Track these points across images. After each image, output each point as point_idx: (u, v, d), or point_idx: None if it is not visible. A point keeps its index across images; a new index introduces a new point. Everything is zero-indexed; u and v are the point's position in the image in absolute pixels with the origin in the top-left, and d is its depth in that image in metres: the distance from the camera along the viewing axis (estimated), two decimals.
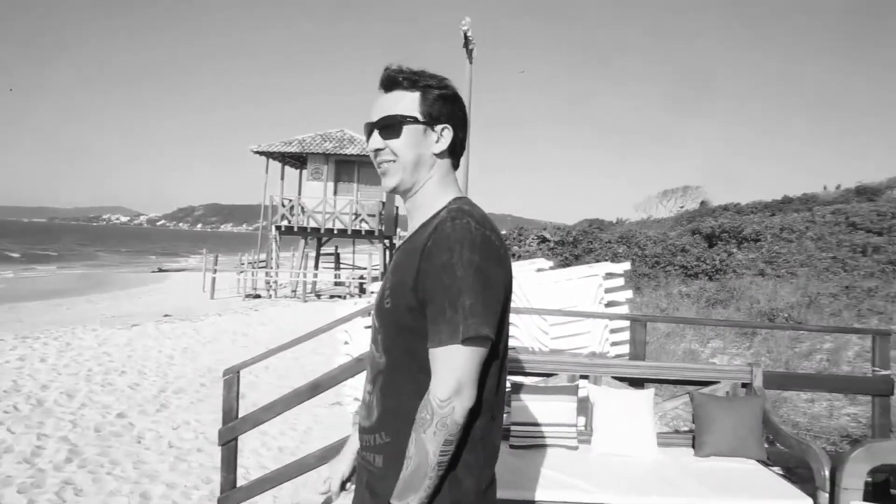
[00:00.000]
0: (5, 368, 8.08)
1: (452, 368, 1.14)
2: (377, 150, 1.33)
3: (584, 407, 3.23)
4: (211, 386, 7.76)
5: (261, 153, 23.42)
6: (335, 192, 23.44)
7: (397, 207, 26.85)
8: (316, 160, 23.55)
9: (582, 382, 3.23)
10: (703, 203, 43.49)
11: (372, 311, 1.35)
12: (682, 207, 47.35)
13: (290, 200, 23.35)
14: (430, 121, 1.31)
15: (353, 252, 29.58)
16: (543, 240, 22.50)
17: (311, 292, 22.29)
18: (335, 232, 23.18)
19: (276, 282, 22.28)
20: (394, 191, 1.35)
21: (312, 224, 22.93)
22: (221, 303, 19.19)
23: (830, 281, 14.32)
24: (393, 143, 1.31)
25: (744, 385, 3.15)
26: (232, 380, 3.20)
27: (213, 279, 21.33)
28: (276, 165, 24.67)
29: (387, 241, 25.45)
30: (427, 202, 1.33)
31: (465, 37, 16.13)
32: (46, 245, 78.25)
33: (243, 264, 23.09)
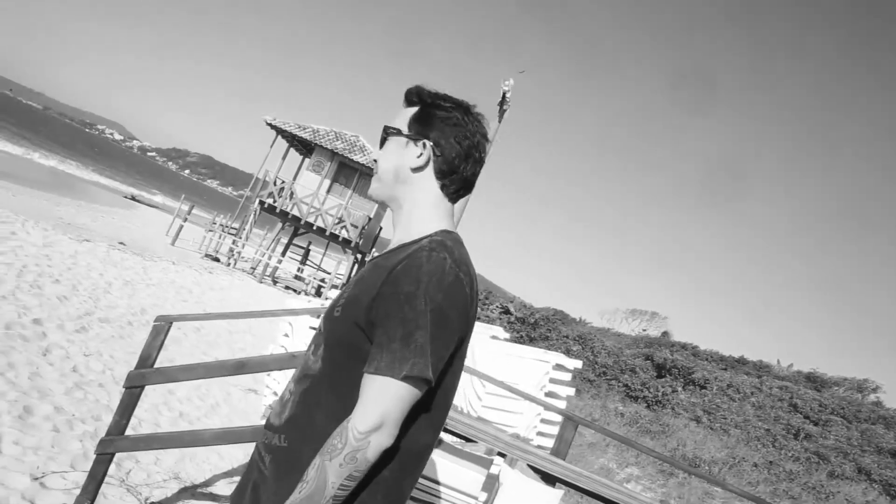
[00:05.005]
0: None
1: (381, 402, 1.07)
2: (375, 162, 1.34)
3: (492, 484, 3.17)
4: (138, 328, 7.52)
5: (273, 126, 23.35)
6: (328, 191, 23.36)
7: (381, 228, 26.80)
8: (321, 154, 23.53)
9: (497, 459, 3.18)
10: (664, 333, 44.05)
11: (322, 315, 1.29)
12: (644, 331, 47.90)
13: (283, 182, 23.20)
14: (414, 134, 1.29)
15: (324, 254, 29.32)
16: (506, 311, 22.57)
17: (268, 275, 21.96)
18: (314, 228, 23.02)
19: (239, 253, 21.95)
20: (371, 198, 1.35)
21: (296, 212, 22.75)
22: (180, 252, 18.80)
23: (758, 451, 14.48)
24: (378, 153, 1.33)
25: None
26: (161, 328, 3.10)
27: (181, 227, 20.96)
28: (282, 144, 24.60)
29: (359, 256, 25.34)
30: (407, 223, 1.28)
31: (504, 96, 16.46)
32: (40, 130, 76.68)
33: (215, 223, 22.75)
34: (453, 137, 1.27)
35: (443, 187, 1.30)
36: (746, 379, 23.25)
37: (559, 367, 4.82)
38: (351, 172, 23.58)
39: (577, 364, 4.96)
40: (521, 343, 15.97)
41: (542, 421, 4.63)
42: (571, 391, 4.89)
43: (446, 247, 1.17)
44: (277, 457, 1.18)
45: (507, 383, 4.39)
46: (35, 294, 6.96)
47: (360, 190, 23.63)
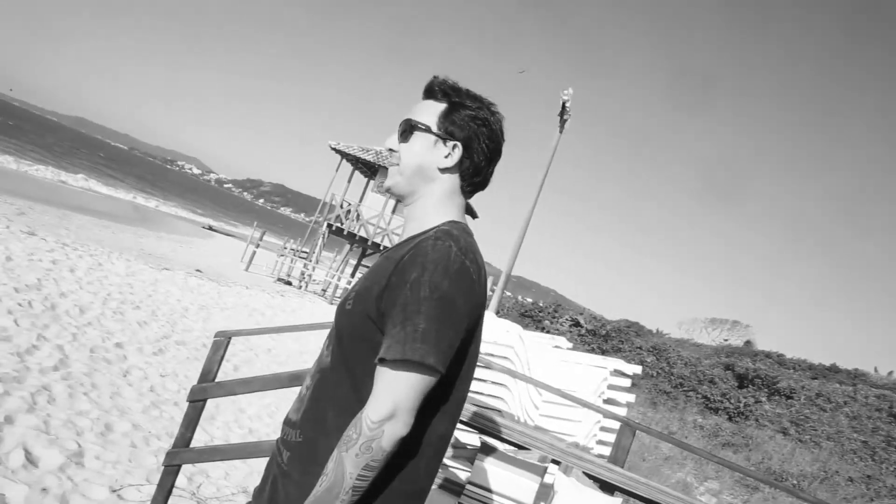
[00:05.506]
0: (36, 266, 8.37)
1: (391, 391, 1.07)
2: (391, 151, 1.33)
3: (546, 493, 3.11)
4: None
5: (337, 151, 24.00)
6: (393, 211, 23.77)
7: None
8: (385, 175, 23.91)
9: (552, 468, 3.12)
10: (747, 343, 42.29)
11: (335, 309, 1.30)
12: (725, 340, 46.13)
13: (350, 204, 23.78)
14: (444, 134, 1.29)
15: None
16: (577, 324, 22.19)
17: (339, 296, 22.46)
18: (381, 248, 23.42)
19: (310, 276, 22.58)
20: (388, 192, 1.35)
21: (363, 233, 23.24)
22: (253, 277, 19.52)
23: (854, 465, 13.57)
24: (401, 146, 1.31)
25: None
26: (221, 343, 3.22)
27: (254, 253, 21.76)
28: (347, 167, 25.23)
29: None
30: (421, 216, 1.29)
31: (563, 106, 16.34)
32: (127, 171, 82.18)
33: (286, 248, 23.52)
34: (482, 139, 1.29)
35: (462, 185, 1.32)
36: (839, 388, 21.93)
37: (618, 372, 4.70)
38: None
39: (637, 369, 4.81)
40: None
41: (602, 429, 4.52)
42: (631, 397, 4.74)
43: (452, 235, 1.17)
44: (295, 452, 1.20)
45: (563, 390, 4.30)
46: (118, 320, 7.40)
47: None
